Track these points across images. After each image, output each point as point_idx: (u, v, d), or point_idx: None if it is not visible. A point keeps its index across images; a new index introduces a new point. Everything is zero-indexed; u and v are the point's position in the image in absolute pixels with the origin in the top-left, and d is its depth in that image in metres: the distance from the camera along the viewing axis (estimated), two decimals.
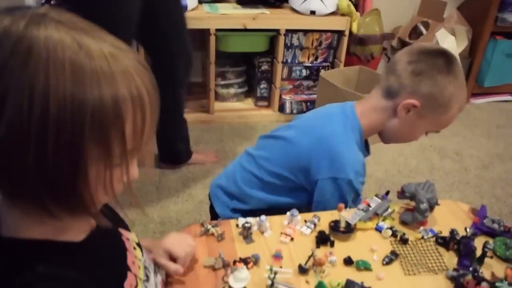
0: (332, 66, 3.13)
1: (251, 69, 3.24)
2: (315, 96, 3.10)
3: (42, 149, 0.55)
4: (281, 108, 3.18)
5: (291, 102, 3.14)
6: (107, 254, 0.77)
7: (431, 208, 1.16)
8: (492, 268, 1.07)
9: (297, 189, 1.34)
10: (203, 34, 2.98)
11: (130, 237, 0.87)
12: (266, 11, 2.91)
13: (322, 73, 2.91)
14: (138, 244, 0.89)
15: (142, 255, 0.87)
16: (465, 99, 1.29)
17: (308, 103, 3.15)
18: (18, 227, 0.64)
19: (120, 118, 0.58)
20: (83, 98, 0.54)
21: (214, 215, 1.45)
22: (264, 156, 1.38)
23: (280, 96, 3.17)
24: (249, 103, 3.33)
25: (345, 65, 3.09)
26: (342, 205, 1.11)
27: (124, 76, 0.58)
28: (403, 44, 3.56)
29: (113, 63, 0.57)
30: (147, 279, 0.85)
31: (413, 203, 1.19)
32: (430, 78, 1.20)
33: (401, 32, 3.54)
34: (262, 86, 3.19)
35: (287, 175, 1.32)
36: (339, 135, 1.27)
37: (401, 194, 1.18)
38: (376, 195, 1.20)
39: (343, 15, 2.97)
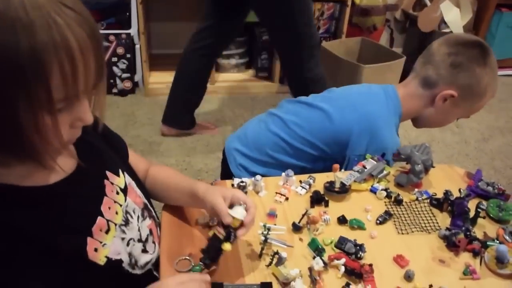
0: (334, 37, 3.10)
1: (252, 39, 3.21)
2: None
3: None
4: (282, 80, 3.16)
5: None
6: (77, 199, 0.79)
7: (426, 170, 1.16)
8: (484, 228, 1.08)
9: (325, 159, 1.36)
10: (200, 2, 2.93)
11: (115, 182, 0.88)
12: None
13: (324, 43, 2.88)
14: (125, 188, 0.90)
15: (125, 200, 0.89)
16: (497, 87, 1.33)
17: None
18: None
19: (41, 65, 0.57)
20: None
21: (228, 176, 1.41)
22: (296, 122, 1.38)
23: (281, 67, 3.14)
24: (249, 74, 3.31)
25: (347, 36, 3.06)
26: (337, 165, 1.12)
27: (46, 24, 0.57)
28: (406, 16, 3.52)
29: (33, 11, 0.56)
30: (126, 223, 0.87)
31: (408, 166, 1.19)
32: (468, 70, 1.25)
33: (405, 3, 3.48)
34: (263, 57, 3.16)
35: (320, 145, 1.34)
36: (384, 116, 1.32)
37: (397, 156, 1.19)
38: (372, 158, 1.21)
39: None
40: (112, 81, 3.08)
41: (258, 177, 1.11)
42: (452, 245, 1.01)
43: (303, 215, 1.02)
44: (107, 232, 0.81)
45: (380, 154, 1.21)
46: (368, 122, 1.29)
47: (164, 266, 0.91)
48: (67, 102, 0.64)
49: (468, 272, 0.95)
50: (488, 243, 1.01)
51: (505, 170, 2.55)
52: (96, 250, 0.78)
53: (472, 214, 1.07)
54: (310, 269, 0.88)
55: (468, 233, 1.02)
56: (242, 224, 0.87)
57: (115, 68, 3.06)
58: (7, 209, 0.68)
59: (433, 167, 1.16)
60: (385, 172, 1.19)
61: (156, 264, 0.93)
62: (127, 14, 2.97)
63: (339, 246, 0.95)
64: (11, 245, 0.67)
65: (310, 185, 1.14)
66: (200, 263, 0.88)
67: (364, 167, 1.17)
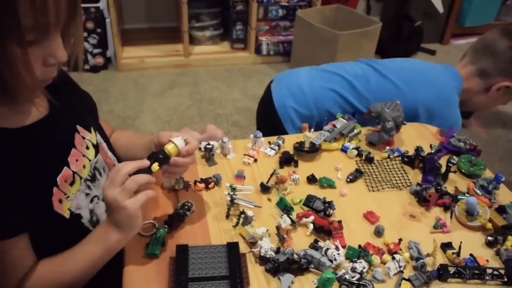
0: (310, 5, 3.04)
1: (226, 10, 3.13)
2: (292, 37, 3.02)
3: None
4: (258, 50, 3.10)
5: (267, 44, 3.07)
6: (45, 145, 0.79)
7: (397, 127, 1.14)
8: (456, 183, 1.07)
9: None
10: None
11: (87, 137, 0.88)
12: None
13: (299, 12, 2.83)
14: (96, 146, 0.90)
15: (95, 157, 0.89)
16: None
17: (285, 44, 3.08)
18: None
19: None
20: None
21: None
22: (368, 88, 1.40)
23: (257, 37, 3.08)
24: (225, 46, 3.24)
25: (323, 4, 3.01)
26: (305, 124, 1.09)
27: None
28: None
29: None
30: (92, 179, 0.87)
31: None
32: None
33: None
34: (237, 27, 3.09)
35: None
36: (454, 96, 1.37)
37: (368, 115, 1.16)
38: (342, 116, 1.18)
39: None
40: (83, 57, 2.98)
41: (225, 139, 1.08)
42: (423, 200, 0.99)
43: (271, 175, 0.99)
44: (71, 184, 0.81)
45: (351, 114, 1.19)
46: (442, 102, 1.36)
47: None
48: (38, 33, 0.63)
49: (439, 226, 0.94)
50: (458, 197, 1.00)
51: (482, 134, 2.56)
52: (60, 201, 0.78)
53: (443, 170, 1.06)
54: (278, 227, 0.86)
55: (438, 187, 1.01)
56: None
57: (85, 44, 2.96)
58: None
59: (404, 124, 1.14)
60: (356, 131, 1.16)
61: None
62: None
63: (308, 204, 0.93)
64: None
65: (279, 146, 1.12)
66: (165, 226, 0.86)
67: (334, 126, 1.15)
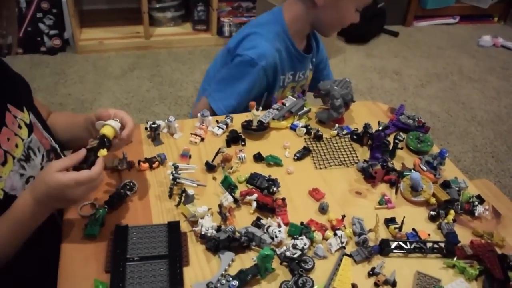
0: None
1: None
2: (254, 18, 2.99)
3: None
4: (220, 32, 3.06)
5: (229, 25, 3.03)
6: None
7: (347, 105, 1.14)
8: (404, 160, 1.08)
9: None
10: None
11: (19, 116, 0.85)
12: None
13: None
14: (30, 125, 0.87)
15: (29, 137, 0.86)
16: None
17: None
18: None
19: None
20: None
21: None
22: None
23: (219, 19, 3.04)
24: (187, 27, 3.18)
25: None
26: (253, 103, 1.07)
27: None
28: None
29: None
30: (27, 159, 0.84)
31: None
32: None
33: None
34: (199, 8, 3.04)
35: None
36: (259, 26, 1.27)
37: (317, 93, 1.15)
38: (292, 95, 1.17)
39: None
40: (39, 38, 2.87)
41: (171, 118, 1.06)
42: (369, 176, 1.00)
43: (216, 154, 0.97)
44: (3, 164, 0.79)
45: (301, 92, 1.18)
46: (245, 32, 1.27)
47: (66, 211, 0.85)
48: None
49: (383, 202, 0.95)
50: (404, 173, 1.01)
51: (441, 114, 2.60)
52: None
53: (392, 147, 1.07)
54: (220, 206, 0.84)
55: (384, 164, 1.01)
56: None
57: (41, 25, 2.84)
58: None
59: (354, 101, 1.14)
60: (305, 109, 1.15)
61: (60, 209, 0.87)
62: None
63: (251, 182, 0.92)
64: None
65: (227, 124, 1.10)
66: (105, 206, 0.83)
67: (284, 104, 1.13)
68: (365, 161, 1.03)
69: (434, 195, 0.96)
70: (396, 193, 0.98)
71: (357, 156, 1.07)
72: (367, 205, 0.94)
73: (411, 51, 3.30)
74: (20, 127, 0.85)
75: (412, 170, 1.02)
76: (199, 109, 1.13)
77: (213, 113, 1.20)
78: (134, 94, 2.55)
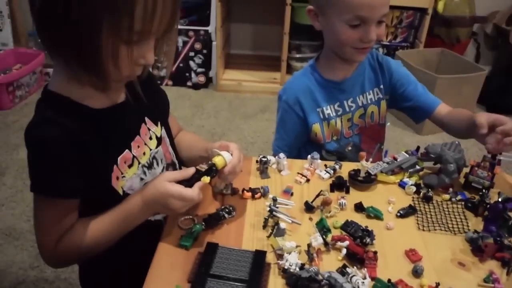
0: (412, 46, 2.97)
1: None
2: None
3: (68, 7, 0.69)
4: None
5: None
6: (114, 128, 0.89)
7: (459, 170, 1.07)
8: None
9: None
10: (279, 4, 2.97)
11: (152, 129, 0.99)
12: None
13: (399, 52, 2.79)
14: (159, 138, 1.00)
15: (156, 148, 0.98)
16: None
17: None
18: (62, 87, 0.84)
19: None
20: None
21: None
22: None
23: None
24: None
25: (426, 47, 2.92)
26: (363, 153, 1.07)
27: None
28: (498, 31, 3.28)
29: None
30: (150, 167, 0.96)
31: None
32: None
33: (498, 17, 3.25)
34: None
35: None
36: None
37: (425, 156, 1.10)
38: (406, 151, 1.14)
39: None
40: (187, 74, 3.21)
41: (282, 155, 1.10)
42: (477, 249, 0.91)
43: (317, 195, 0.98)
44: (130, 166, 0.91)
45: (415, 149, 1.14)
46: None
47: (170, 220, 0.94)
48: (140, 37, 0.76)
49: (490, 281, 0.85)
50: None
51: None
52: (117, 178, 0.89)
53: None
54: (309, 245, 0.85)
55: (498, 239, 0.92)
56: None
57: (191, 63, 3.19)
58: (68, 116, 0.82)
59: (466, 166, 1.06)
60: (418, 167, 1.11)
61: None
62: (208, 12, 3.10)
63: (345, 229, 0.91)
64: (65, 140, 0.81)
65: (335, 170, 1.11)
66: (202, 223, 0.90)
67: (395, 159, 1.11)
68: (475, 231, 0.94)
69: None
70: (508, 274, 0.88)
71: (468, 226, 0.99)
72: (469, 279, 0.86)
73: None
74: (151, 138, 0.97)
75: None
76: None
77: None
78: (260, 135, 2.68)
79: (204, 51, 3.16)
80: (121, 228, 0.88)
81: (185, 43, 3.13)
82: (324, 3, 1.18)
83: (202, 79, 3.23)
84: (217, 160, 0.90)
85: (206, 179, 0.87)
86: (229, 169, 0.92)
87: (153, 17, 0.73)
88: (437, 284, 0.81)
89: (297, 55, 3.22)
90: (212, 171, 0.89)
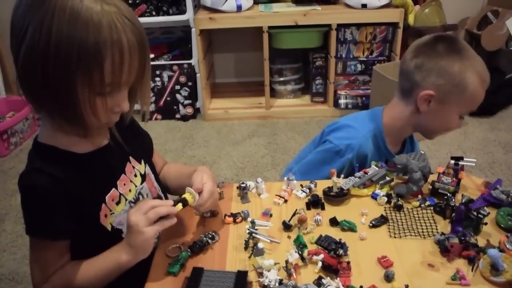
0: (389, 60, 3.08)
1: (307, 65, 3.29)
2: (370, 91, 3.07)
3: (45, 71, 0.78)
4: (336, 103, 3.19)
5: (346, 97, 3.14)
6: (100, 169, 0.97)
7: (425, 178, 1.14)
8: (490, 236, 1.03)
9: None
10: (257, 32, 3.09)
11: (137, 167, 1.07)
12: (318, 7, 2.96)
13: (376, 66, 2.89)
14: (144, 175, 1.08)
15: (141, 184, 1.06)
16: (482, 70, 1.25)
17: (364, 98, 3.13)
18: (49, 137, 0.93)
19: (100, 55, 0.77)
20: (74, 38, 0.75)
21: None
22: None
23: (335, 91, 3.18)
24: (305, 99, 3.38)
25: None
26: (333, 170, 1.14)
27: (109, 25, 0.78)
28: (471, 36, 3.40)
29: (102, 15, 0.77)
30: (135, 202, 1.03)
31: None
32: (433, 65, 1.23)
33: (469, 23, 3.38)
34: (317, 82, 3.22)
35: None
36: (356, 121, 1.37)
37: (393, 167, 1.18)
38: (376, 164, 1.21)
39: (396, 7, 2.92)
40: (175, 107, 3.31)
41: (259, 179, 1.17)
42: (444, 250, 0.98)
43: (293, 214, 1.05)
44: (117, 203, 0.99)
45: (384, 161, 1.22)
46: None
47: (159, 249, 1.02)
48: (112, 88, 0.83)
49: (457, 278, 0.92)
50: (486, 249, 0.97)
51: None
52: (106, 216, 0.96)
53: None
54: (286, 261, 0.92)
55: (463, 238, 0.99)
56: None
57: (178, 96, 3.29)
58: (56, 164, 0.90)
59: (432, 173, 1.14)
60: (388, 178, 1.18)
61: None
62: (189, 46, 3.21)
63: (320, 243, 0.97)
64: (53, 187, 0.88)
65: (310, 189, 1.18)
66: (188, 250, 0.97)
67: (366, 173, 1.18)
68: (442, 233, 1.01)
69: None
70: (472, 270, 0.94)
71: (437, 229, 1.06)
72: (438, 279, 0.92)
73: None
74: (135, 175, 1.05)
75: (496, 248, 0.98)
76: None
77: None
78: (249, 159, 2.76)
79: (189, 83, 3.26)
80: (113, 274, 0.95)
81: (170, 77, 3.23)
82: (452, 92, 1.23)
83: (190, 110, 3.32)
84: (187, 196, 0.98)
85: (179, 206, 0.95)
86: (196, 206, 1.00)
87: (122, 70, 0.81)
88: (406, 286, 0.88)
89: (280, 79, 3.32)
90: (183, 203, 0.96)
